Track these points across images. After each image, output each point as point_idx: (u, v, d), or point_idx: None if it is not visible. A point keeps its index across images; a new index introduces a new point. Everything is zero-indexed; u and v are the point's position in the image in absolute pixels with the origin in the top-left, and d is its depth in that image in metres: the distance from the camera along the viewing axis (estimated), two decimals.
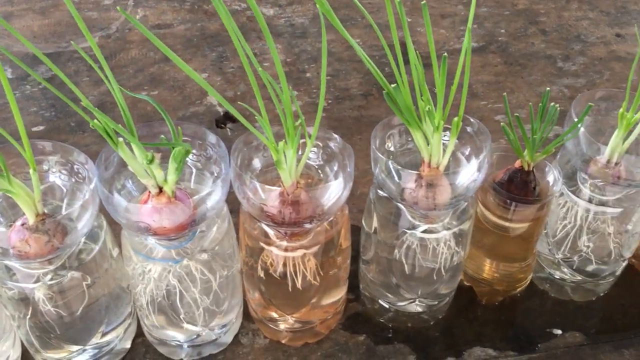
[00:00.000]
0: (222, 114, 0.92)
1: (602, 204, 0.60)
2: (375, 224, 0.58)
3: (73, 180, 0.53)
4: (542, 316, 0.67)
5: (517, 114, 0.54)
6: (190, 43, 1.06)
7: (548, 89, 0.55)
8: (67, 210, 0.51)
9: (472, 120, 0.55)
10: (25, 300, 0.52)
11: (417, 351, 0.63)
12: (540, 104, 0.54)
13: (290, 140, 0.49)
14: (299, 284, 0.55)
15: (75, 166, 0.53)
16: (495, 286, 0.67)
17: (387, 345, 0.64)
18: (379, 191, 0.57)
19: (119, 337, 0.60)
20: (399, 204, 0.55)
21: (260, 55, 1.04)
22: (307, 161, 0.55)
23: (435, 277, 0.59)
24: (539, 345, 0.64)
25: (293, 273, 0.55)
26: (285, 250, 0.54)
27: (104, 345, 0.59)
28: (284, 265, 0.55)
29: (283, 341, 0.63)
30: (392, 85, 0.49)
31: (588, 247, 0.62)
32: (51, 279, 0.51)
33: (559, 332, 0.65)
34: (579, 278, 0.66)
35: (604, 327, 0.66)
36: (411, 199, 0.53)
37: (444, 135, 0.54)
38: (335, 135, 0.54)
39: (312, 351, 0.63)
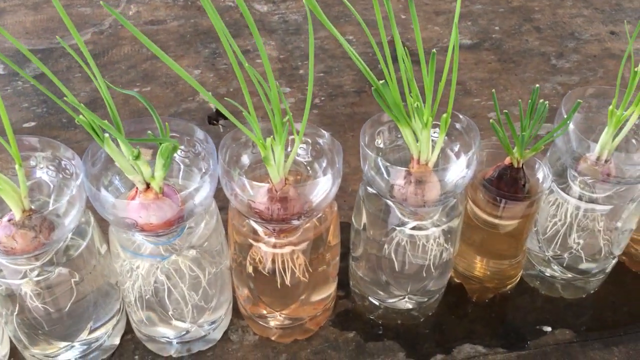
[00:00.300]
0: (214, 110, 0.92)
1: (592, 201, 0.60)
2: (364, 220, 0.58)
3: (60, 176, 0.52)
4: (532, 313, 0.67)
5: (506, 111, 0.54)
6: (183, 39, 1.06)
7: (537, 85, 0.55)
8: (53, 206, 0.50)
9: (461, 117, 0.55)
10: (12, 296, 0.52)
11: (407, 348, 0.63)
12: (530, 101, 0.54)
13: (278, 136, 0.49)
14: (287, 281, 0.55)
15: (63, 162, 0.52)
16: (486, 283, 0.67)
17: (376, 342, 0.64)
18: (368, 188, 0.57)
19: (108, 334, 0.60)
20: (388, 201, 0.55)
21: (253, 51, 1.04)
22: (296, 157, 0.55)
23: (424, 274, 0.59)
24: (528, 343, 0.64)
25: (282, 270, 0.55)
26: (274, 246, 0.54)
27: (93, 341, 0.59)
28: (273, 261, 0.55)
29: (272, 338, 0.63)
30: (380, 82, 0.49)
31: (578, 244, 0.62)
32: (38, 275, 0.51)
33: (549, 329, 0.65)
34: (569, 275, 0.66)
35: (594, 324, 0.66)
36: (400, 195, 0.53)
37: (434, 132, 0.54)
38: (324, 132, 0.54)
39: (301, 348, 0.63)
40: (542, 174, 0.59)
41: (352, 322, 0.66)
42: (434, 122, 0.52)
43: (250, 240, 0.55)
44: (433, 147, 0.52)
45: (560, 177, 0.61)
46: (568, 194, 0.60)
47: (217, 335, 0.63)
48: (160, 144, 0.48)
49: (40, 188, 0.52)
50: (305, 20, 1.11)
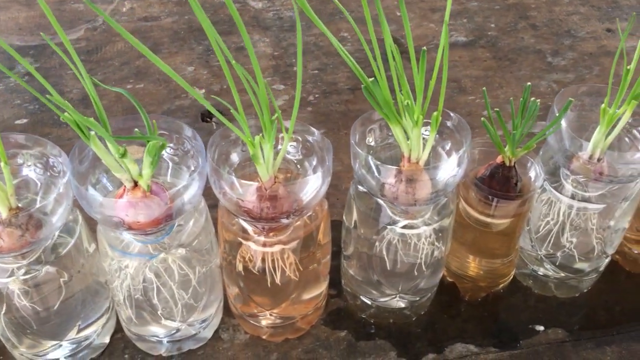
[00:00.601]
0: (205, 109, 0.91)
1: (585, 200, 0.59)
2: (355, 219, 0.58)
3: (48, 174, 0.52)
4: (525, 312, 0.67)
5: (497, 109, 0.54)
6: (177, 36, 1.05)
7: (529, 84, 0.54)
8: (40, 203, 0.50)
9: (452, 115, 0.54)
10: None
11: (398, 347, 0.63)
12: (522, 99, 0.54)
13: (267, 134, 0.49)
14: (278, 280, 0.55)
15: (51, 159, 0.52)
16: (478, 282, 0.66)
17: (368, 341, 0.63)
18: (359, 186, 0.56)
19: (97, 332, 0.60)
20: (379, 200, 0.55)
21: (246, 48, 1.03)
22: (286, 155, 0.55)
23: (416, 273, 0.59)
24: (520, 342, 0.64)
25: (272, 268, 0.55)
26: (264, 245, 0.54)
27: (82, 340, 0.59)
28: (263, 260, 0.54)
29: (263, 337, 0.63)
30: (370, 80, 0.49)
31: (571, 242, 0.62)
32: (25, 274, 0.50)
33: (541, 328, 0.65)
34: (563, 275, 0.66)
35: (587, 323, 0.66)
36: (391, 194, 0.52)
37: (425, 130, 0.54)
38: (314, 130, 0.54)
39: (292, 347, 0.63)
40: (535, 172, 0.59)
41: (343, 321, 0.65)
42: (425, 120, 0.52)
43: (240, 239, 0.54)
44: (424, 145, 0.52)
45: (553, 175, 0.61)
46: (561, 193, 0.60)
47: (208, 334, 0.62)
48: (148, 141, 0.48)
49: (28, 186, 0.52)
50: (301, 17, 1.10)
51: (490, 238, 0.62)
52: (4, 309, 0.52)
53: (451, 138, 0.55)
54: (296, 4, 0.44)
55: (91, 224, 0.55)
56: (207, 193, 0.52)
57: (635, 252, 0.69)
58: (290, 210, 0.50)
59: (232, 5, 0.43)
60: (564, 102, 0.56)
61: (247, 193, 0.50)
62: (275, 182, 0.50)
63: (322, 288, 0.62)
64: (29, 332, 0.55)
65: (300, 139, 0.55)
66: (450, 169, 0.52)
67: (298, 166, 0.55)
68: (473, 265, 0.65)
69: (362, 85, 0.50)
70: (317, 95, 0.95)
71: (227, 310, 0.64)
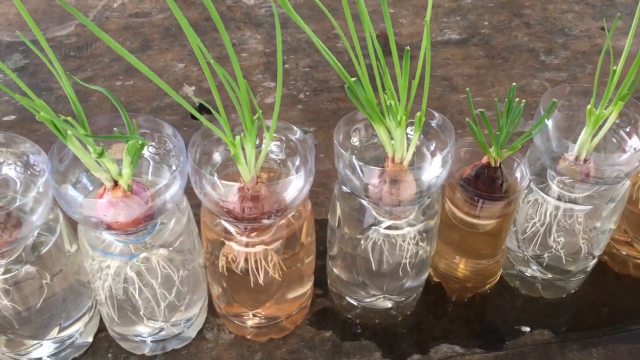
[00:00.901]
0: (197, 105, 0.91)
1: (571, 201, 0.59)
2: (339, 219, 0.57)
3: (29, 172, 0.51)
4: (511, 313, 0.66)
5: (482, 110, 0.53)
6: (168, 32, 1.05)
7: (514, 84, 0.54)
8: (20, 202, 0.49)
9: (436, 114, 0.54)
10: None
11: (384, 348, 0.63)
12: (507, 100, 0.53)
13: (248, 133, 0.48)
14: (260, 280, 0.54)
15: (31, 158, 0.52)
16: (465, 283, 0.66)
17: (353, 342, 0.63)
18: (343, 187, 0.56)
19: (80, 332, 0.59)
20: (363, 201, 0.54)
21: (238, 45, 1.03)
22: (270, 155, 0.55)
23: (400, 274, 0.58)
24: (506, 343, 0.63)
25: (255, 269, 0.54)
26: (246, 245, 0.53)
27: (65, 339, 0.58)
28: (246, 260, 0.54)
29: (248, 336, 0.62)
30: (353, 79, 0.48)
31: (558, 243, 0.62)
32: (4, 273, 0.50)
33: (527, 329, 0.64)
34: (550, 276, 0.66)
35: (574, 325, 0.65)
36: (375, 195, 0.52)
37: (411, 130, 0.53)
38: (297, 129, 0.53)
39: (277, 347, 0.62)
40: (520, 173, 0.58)
41: (329, 321, 0.65)
42: (410, 120, 0.52)
43: (222, 239, 0.54)
44: (408, 145, 0.51)
45: (540, 176, 0.60)
46: (547, 194, 0.59)
47: (192, 333, 0.62)
48: (128, 141, 0.47)
49: (8, 184, 0.51)
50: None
51: (476, 239, 0.62)
52: None
53: (436, 138, 0.55)
54: (274, 2, 0.43)
55: (73, 223, 0.55)
56: (190, 192, 0.51)
57: (623, 253, 0.69)
58: (272, 211, 0.50)
59: (210, 3, 0.42)
60: (551, 102, 0.55)
61: (229, 193, 0.50)
62: (257, 182, 0.50)
63: (306, 288, 0.61)
64: (10, 332, 0.54)
65: (283, 138, 0.54)
66: (434, 170, 0.52)
67: (281, 166, 0.54)
68: (459, 266, 0.65)
69: (346, 85, 0.49)
70: (307, 93, 0.94)
71: (211, 309, 0.64)
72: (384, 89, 0.49)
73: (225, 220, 0.53)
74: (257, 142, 0.52)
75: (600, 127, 0.55)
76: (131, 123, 0.48)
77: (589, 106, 0.54)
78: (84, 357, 0.61)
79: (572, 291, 0.68)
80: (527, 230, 0.62)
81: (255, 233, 0.53)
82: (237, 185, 0.49)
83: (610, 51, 0.53)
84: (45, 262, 0.52)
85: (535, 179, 0.60)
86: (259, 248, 0.53)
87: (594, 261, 0.66)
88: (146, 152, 0.53)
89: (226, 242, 0.54)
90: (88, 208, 0.47)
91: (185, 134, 0.51)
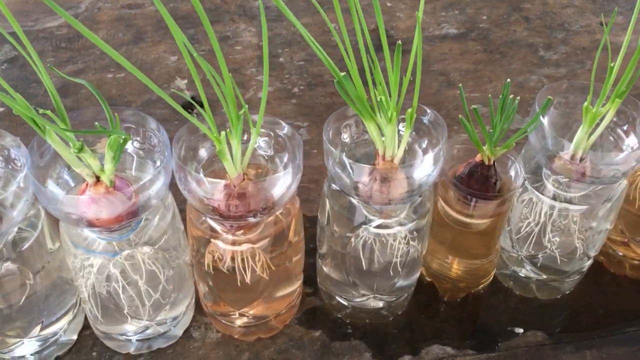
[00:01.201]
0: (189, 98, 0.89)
1: (567, 201, 0.57)
2: (328, 217, 0.56)
3: (10, 167, 0.50)
4: (505, 314, 0.65)
5: (475, 107, 0.52)
6: (161, 24, 1.03)
7: (509, 80, 0.52)
8: None
9: (428, 110, 0.53)
10: None
11: (374, 348, 0.62)
12: (501, 97, 0.52)
13: (234, 129, 0.47)
14: (247, 279, 0.53)
15: (13, 152, 0.50)
16: (458, 282, 0.65)
17: (342, 342, 0.62)
18: (333, 185, 0.55)
19: (64, 329, 0.58)
20: (352, 199, 0.53)
21: (232, 38, 1.01)
22: (258, 151, 0.53)
23: (391, 273, 0.57)
24: (499, 344, 0.62)
25: (241, 267, 0.53)
26: (233, 244, 0.52)
27: (49, 336, 0.57)
28: (232, 259, 0.53)
29: (236, 336, 0.61)
30: (342, 74, 0.47)
31: (552, 243, 0.60)
32: None
33: (521, 330, 0.63)
34: (544, 277, 0.64)
35: (568, 326, 0.64)
36: (365, 193, 0.50)
37: (403, 127, 0.52)
38: (285, 124, 0.52)
39: (265, 346, 0.61)
40: (515, 171, 0.57)
41: (319, 321, 0.64)
42: (402, 117, 0.50)
43: (208, 237, 0.53)
44: (399, 142, 0.50)
45: (535, 174, 0.59)
46: (542, 193, 0.58)
47: (178, 332, 0.61)
48: (110, 135, 0.46)
49: None
50: (288, 6, 1.08)
51: (469, 238, 0.60)
52: None
53: (428, 135, 0.53)
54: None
55: (55, 219, 0.53)
56: (176, 187, 0.50)
57: (620, 254, 0.68)
58: (258, 209, 0.48)
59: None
60: (546, 99, 0.54)
61: (214, 190, 0.48)
62: (244, 179, 0.49)
63: (295, 286, 0.60)
64: None
65: (272, 133, 0.53)
66: (425, 168, 0.50)
67: (269, 162, 0.53)
68: (452, 266, 0.64)
69: (335, 80, 0.48)
70: (302, 87, 0.93)
71: (198, 308, 0.63)
72: (374, 84, 0.47)
73: (211, 218, 0.51)
74: (245, 138, 0.51)
75: (597, 125, 0.53)
76: (113, 117, 0.47)
77: (585, 104, 0.52)
78: (67, 355, 0.60)
79: (567, 292, 0.67)
80: (522, 230, 0.61)
81: (241, 231, 0.52)
82: (222, 182, 0.48)
83: (609, 47, 0.52)
84: (26, 259, 0.51)
85: (530, 178, 0.59)
86: (246, 246, 0.52)
87: (590, 262, 0.64)
88: (130, 147, 0.51)
89: (212, 240, 0.52)
90: (69, 205, 0.46)
91: (176, 127, 0.50)
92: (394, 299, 0.62)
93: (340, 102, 0.91)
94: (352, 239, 0.55)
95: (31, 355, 0.58)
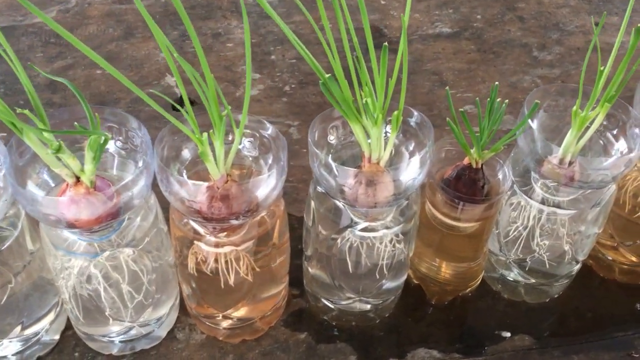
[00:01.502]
0: (179, 96, 0.88)
1: (556, 205, 0.57)
2: (314, 219, 0.55)
3: None
4: (492, 317, 0.65)
5: (462, 110, 0.51)
6: (152, 20, 1.02)
7: (497, 83, 0.52)
8: None
9: (415, 112, 0.52)
10: None
11: (360, 351, 0.61)
12: (489, 99, 0.51)
13: (217, 130, 0.46)
14: (231, 281, 0.53)
15: None
16: (445, 286, 0.64)
17: (328, 344, 0.61)
18: (318, 187, 0.54)
19: (45, 329, 0.57)
20: (338, 202, 0.52)
21: (224, 35, 1.00)
22: (242, 152, 0.52)
23: (377, 276, 0.56)
24: (486, 348, 0.62)
25: (225, 269, 0.52)
26: (216, 246, 0.51)
27: (31, 337, 0.57)
28: (215, 260, 0.52)
29: (220, 338, 0.61)
30: (327, 76, 0.46)
31: (541, 247, 0.60)
32: None
33: (508, 334, 0.63)
34: (533, 281, 0.64)
35: (556, 330, 0.64)
36: (350, 196, 0.50)
37: (390, 129, 0.51)
38: (269, 125, 0.51)
39: (249, 349, 0.61)
40: (503, 175, 0.56)
41: (304, 323, 0.63)
42: (389, 118, 0.50)
43: (191, 239, 0.52)
44: (386, 145, 0.49)
45: (523, 178, 0.58)
46: (530, 197, 0.57)
47: (162, 332, 0.60)
48: (90, 136, 0.45)
49: None
50: (281, 3, 1.07)
51: (457, 241, 0.60)
52: None
53: (415, 137, 0.53)
54: None
55: (35, 219, 0.53)
56: (160, 187, 0.49)
57: (609, 258, 0.67)
58: (241, 211, 0.48)
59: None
60: (533, 103, 0.53)
61: (197, 192, 0.48)
62: (227, 181, 0.48)
63: (279, 288, 0.59)
64: None
65: (257, 134, 0.52)
66: (412, 170, 0.50)
67: (253, 163, 0.52)
68: (440, 269, 0.63)
69: (320, 81, 0.47)
70: (293, 86, 0.92)
71: (183, 308, 0.62)
72: (360, 85, 0.47)
73: (194, 220, 0.51)
74: (230, 139, 0.50)
75: (587, 129, 0.53)
76: (94, 116, 0.46)
77: (574, 107, 0.52)
78: (50, 356, 0.59)
79: (556, 296, 0.66)
80: (510, 234, 0.60)
81: (224, 233, 0.51)
82: (205, 184, 0.47)
83: (598, 50, 0.51)
84: (6, 259, 0.50)
85: (518, 181, 0.58)
86: (229, 248, 0.51)
87: (578, 266, 0.64)
88: (113, 146, 0.51)
89: (195, 242, 0.52)
90: (47, 206, 0.45)
91: (166, 125, 0.49)
92: (381, 301, 0.61)
93: None
94: (338, 241, 0.54)
95: (13, 355, 0.57)
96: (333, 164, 0.49)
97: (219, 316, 0.58)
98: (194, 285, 0.56)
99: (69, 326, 0.60)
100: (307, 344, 0.61)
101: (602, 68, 0.51)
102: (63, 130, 0.48)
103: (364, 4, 0.44)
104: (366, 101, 0.47)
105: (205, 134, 0.45)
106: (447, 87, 0.51)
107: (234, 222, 0.48)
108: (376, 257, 0.55)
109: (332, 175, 0.50)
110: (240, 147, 0.52)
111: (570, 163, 0.54)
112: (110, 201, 0.46)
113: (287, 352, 0.60)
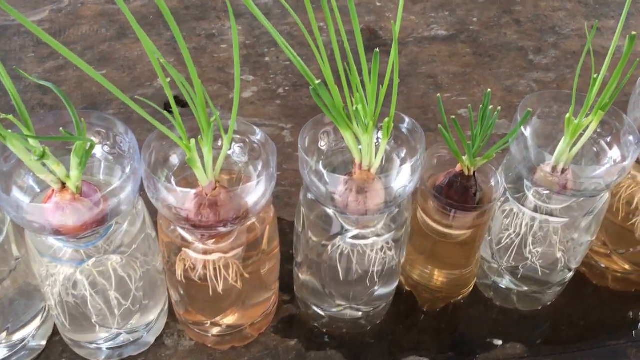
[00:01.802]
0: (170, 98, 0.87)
1: (548, 213, 0.56)
2: (304, 226, 0.55)
3: None
4: (484, 325, 0.64)
5: (454, 117, 0.51)
6: (146, 21, 1.01)
7: (489, 90, 0.51)
8: None
9: (407, 118, 0.51)
10: None
11: (350, 358, 0.60)
12: (481, 106, 0.51)
13: (205, 135, 0.45)
14: (220, 288, 0.52)
15: None
16: (437, 293, 0.63)
17: (318, 352, 0.61)
18: (309, 194, 0.53)
19: (32, 335, 0.57)
20: (328, 209, 0.52)
21: (218, 36, 1.00)
22: (232, 158, 0.52)
23: (368, 283, 0.56)
24: (477, 356, 0.61)
25: (213, 277, 0.52)
26: (204, 253, 0.51)
27: (18, 342, 0.56)
28: (204, 267, 0.51)
29: (209, 344, 0.60)
30: (318, 82, 0.46)
31: (533, 255, 0.59)
32: None
33: (500, 342, 0.62)
34: (525, 288, 0.63)
35: (548, 338, 0.63)
36: (341, 203, 0.49)
37: (381, 135, 0.50)
38: (258, 130, 0.50)
39: (239, 355, 0.60)
40: (495, 182, 0.56)
41: (295, 329, 0.62)
42: (380, 125, 0.49)
43: (179, 245, 0.51)
44: (377, 151, 0.49)
45: (516, 185, 0.58)
46: (523, 205, 0.57)
47: (150, 339, 0.60)
48: (76, 141, 0.44)
49: None
50: (276, 4, 1.06)
51: (449, 248, 0.59)
52: None
53: (407, 144, 0.52)
54: None
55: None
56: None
57: (602, 265, 0.67)
58: (228, 219, 0.47)
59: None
60: (525, 111, 0.53)
61: (185, 199, 0.47)
62: (216, 187, 0.47)
63: (269, 294, 0.59)
64: None
65: (247, 140, 0.52)
66: (403, 177, 0.49)
67: (242, 169, 0.52)
68: (432, 276, 0.63)
69: (311, 87, 0.46)
70: (287, 88, 0.91)
71: (172, 314, 0.61)
72: (350, 91, 0.46)
73: (182, 228, 0.50)
74: (220, 144, 0.50)
75: (580, 136, 0.52)
76: (80, 121, 0.45)
77: (567, 115, 0.51)
78: None
79: (548, 303, 0.66)
80: (502, 241, 0.59)
81: (213, 240, 0.50)
82: (193, 191, 0.47)
83: (592, 57, 0.50)
84: None
85: (511, 189, 0.58)
86: (217, 256, 0.51)
87: (571, 274, 0.63)
88: (100, 151, 0.50)
89: (184, 249, 0.51)
90: (32, 213, 0.44)
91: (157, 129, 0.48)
92: (372, 309, 0.61)
93: None
94: (328, 248, 0.54)
95: None
96: (323, 171, 0.48)
97: (207, 323, 0.57)
98: (182, 292, 0.55)
99: (56, 332, 0.60)
100: (297, 351, 0.61)
101: (595, 76, 0.50)
102: (49, 135, 0.47)
103: (360, 6, 0.44)
104: (357, 108, 0.46)
105: (193, 140, 0.44)
106: (439, 95, 0.51)
107: (222, 229, 0.48)
108: (367, 264, 0.54)
109: (322, 183, 0.49)
110: (230, 152, 0.52)
111: (564, 171, 0.53)
112: (97, 207, 0.46)
113: (277, 359, 0.60)
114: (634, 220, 0.61)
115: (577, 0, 1.16)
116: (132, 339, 0.57)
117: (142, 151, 0.47)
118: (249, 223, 0.51)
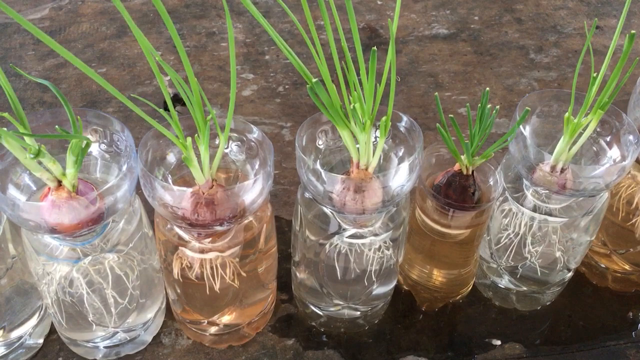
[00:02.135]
0: (171, 95, 0.87)
1: (547, 212, 0.56)
2: (301, 225, 0.55)
3: None
4: (483, 325, 0.64)
5: (452, 116, 0.50)
6: (146, 19, 1.01)
7: (488, 89, 0.51)
8: None
9: (404, 117, 0.51)
10: None
11: (348, 358, 0.60)
12: (479, 105, 0.50)
13: (201, 134, 0.45)
14: (217, 287, 0.52)
15: None
16: (435, 292, 0.63)
17: (316, 351, 0.60)
18: (306, 193, 0.53)
19: (29, 333, 0.57)
20: (325, 208, 0.51)
21: (218, 34, 0.99)
22: (230, 156, 0.52)
23: (365, 283, 0.56)
24: (475, 356, 0.61)
25: (210, 275, 0.52)
26: (201, 252, 0.51)
27: (15, 340, 0.56)
28: (201, 266, 0.51)
29: (206, 344, 0.60)
30: (315, 80, 0.46)
31: (532, 254, 0.59)
32: None
33: (498, 342, 0.62)
34: (524, 288, 0.63)
35: (547, 339, 0.63)
36: (338, 202, 0.49)
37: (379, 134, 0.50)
38: (255, 129, 0.50)
39: (236, 354, 0.60)
40: (494, 181, 0.55)
41: (293, 328, 0.62)
42: (378, 123, 0.49)
43: (176, 244, 0.51)
44: (374, 150, 0.48)
45: (515, 184, 0.58)
46: (522, 205, 0.57)
47: (148, 337, 0.60)
48: (72, 139, 0.44)
49: None
50: (277, 2, 1.06)
51: (447, 248, 0.59)
52: None
53: (404, 143, 0.52)
54: None
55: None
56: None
57: (602, 266, 0.66)
58: (225, 217, 0.47)
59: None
60: (524, 110, 0.52)
61: (181, 198, 0.47)
62: (213, 186, 0.47)
63: (266, 293, 0.59)
64: None
65: (244, 138, 0.52)
66: (401, 176, 0.49)
67: (240, 167, 0.52)
68: (430, 275, 0.62)
69: (308, 85, 0.46)
70: (287, 86, 0.91)
71: (169, 313, 0.61)
72: (348, 90, 0.46)
73: (178, 226, 0.50)
74: (217, 142, 0.49)
75: (580, 135, 0.52)
76: (76, 119, 0.45)
77: (566, 114, 0.51)
78: None
79: (547, 303, 0.66)
80: (501, 241, 0.59)
81: (209, 239, 0.50)
82: (189, 189, 0.46)
83: (591, 55, 0.50)
84: None
85: (510, 188, 0.57)
86: (213, 254, 0.51)
87: (571, 273, 0.63)
88: (97, 149, 0.50)
89: (180, 248, 0.51)
90: (28, 211, 0.44)
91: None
92: (369, 308, 0.60)
93: None
94: (326, 247, 0.54)
95: None
96: (321, 170, 0.48)
97: (204, 322, 0.57)
98: (179, 290, 0.55)
99: (53, 330, 0.59)
100: (294, 351, 0.60)
101: (594, 75, 0.50)
102: (45, 133, 0.47)
103: (361, 4, 0.43)
104: (354, 106, 0.46)
105: (189, 139, 0.44)
106: (436, 94, 0.50)
107: (219, 228, 0.48)
108: (365, 263, 0.54)
109: (319, 181, 0.49)
110: (227, 150, 0.51)
111: (563, 170, 0.53)
112: (93, 205, 0.46)
113: (274, 359, 0.60)
114: (633, 220, 0.61)
115: None
116: (129, 338, 0.57)
117: (138, 149, 0.47)
118: (246, 222, 0.51)
